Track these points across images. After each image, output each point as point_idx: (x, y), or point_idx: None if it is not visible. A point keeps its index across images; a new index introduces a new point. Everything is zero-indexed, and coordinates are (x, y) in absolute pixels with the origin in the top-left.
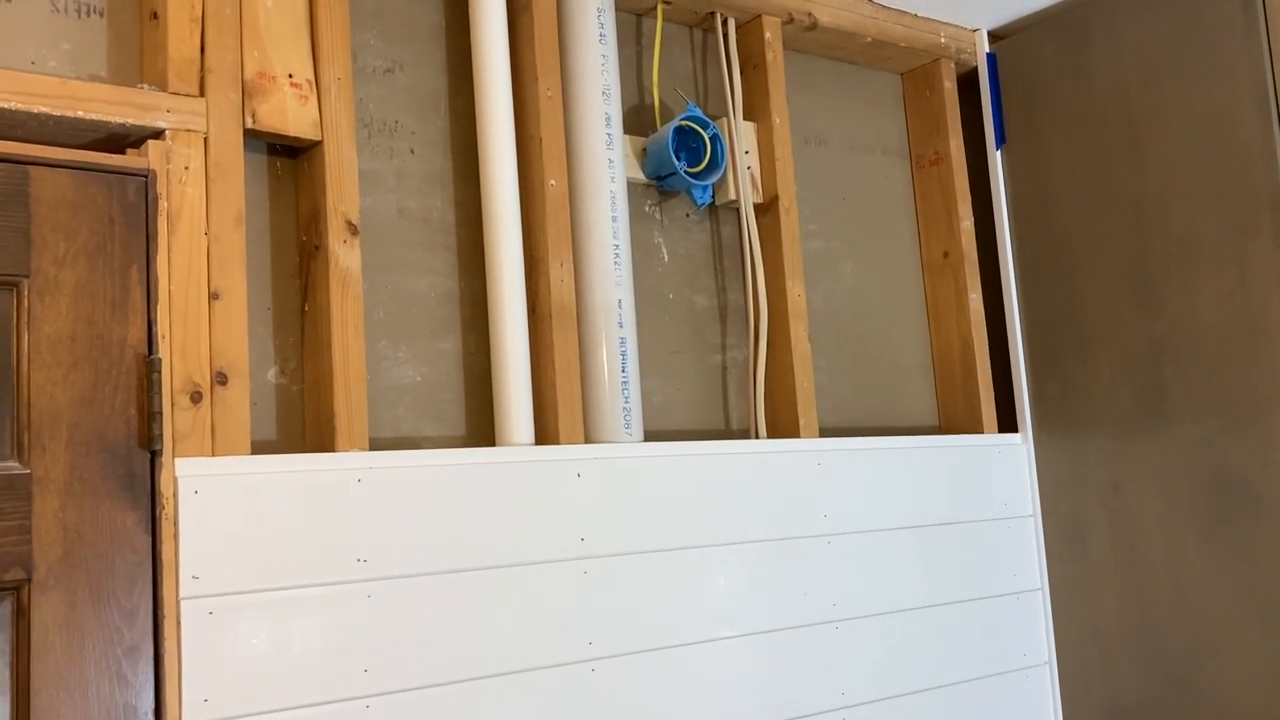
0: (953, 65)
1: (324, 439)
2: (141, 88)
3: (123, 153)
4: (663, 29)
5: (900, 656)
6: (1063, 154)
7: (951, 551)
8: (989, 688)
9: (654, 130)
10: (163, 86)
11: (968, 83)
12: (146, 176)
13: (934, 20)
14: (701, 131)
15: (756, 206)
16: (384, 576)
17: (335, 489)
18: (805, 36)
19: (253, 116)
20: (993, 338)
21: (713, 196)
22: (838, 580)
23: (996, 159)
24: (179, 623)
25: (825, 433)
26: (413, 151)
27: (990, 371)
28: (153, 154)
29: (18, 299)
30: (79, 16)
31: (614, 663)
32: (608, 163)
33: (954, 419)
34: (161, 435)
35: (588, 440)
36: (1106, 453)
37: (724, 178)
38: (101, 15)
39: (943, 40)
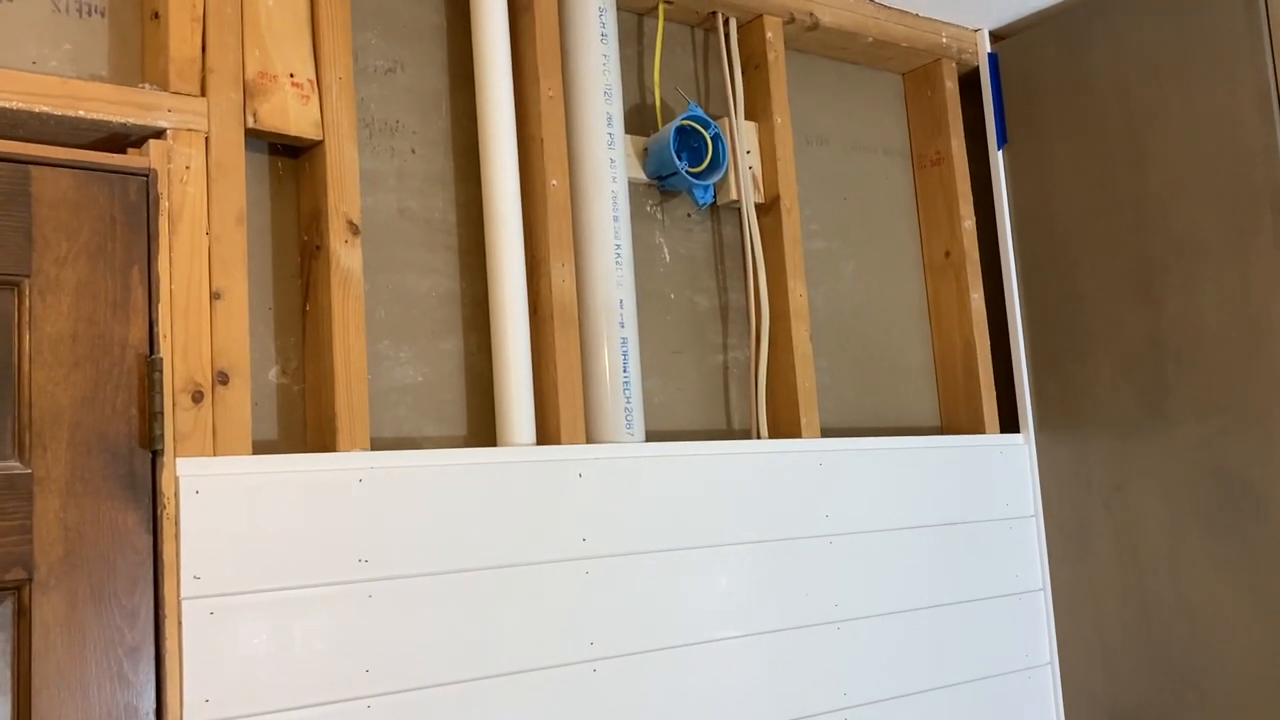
0: (954, 65)
1: (325, 439)
2: (143, 87)
3: (124, 152)
4: (664, 29)
5: (902, 657)
6: (1064, 154)
7: (953, 552)
8: (991, 688)
9: (655, 130)
10: (164, 86)
11: (969, 83)
12: (148, 176)
13: (935, 20)
14: (703, 131)
15: (758, 206)
16: (385, 577)
17: (336, 489)
18: (807, 36)
19: (254, 116)
20: (994, 338)
21: (714, 196)
22: (839, 581)
23: (998, 159)
24: (180, 623)
25: (827, 433)
26: (414, 151)
27: (992, 371)
28: (154, 154)
29: (19, 298)
30: (80, 16)
31: (615, 663)
32: (609, 162)
33: (955, 419)
34: (163, 435)
35: (589, 440)
36: (1108, 453)
37: (725, 177)
38: (103, 15)
39: (944, 40)
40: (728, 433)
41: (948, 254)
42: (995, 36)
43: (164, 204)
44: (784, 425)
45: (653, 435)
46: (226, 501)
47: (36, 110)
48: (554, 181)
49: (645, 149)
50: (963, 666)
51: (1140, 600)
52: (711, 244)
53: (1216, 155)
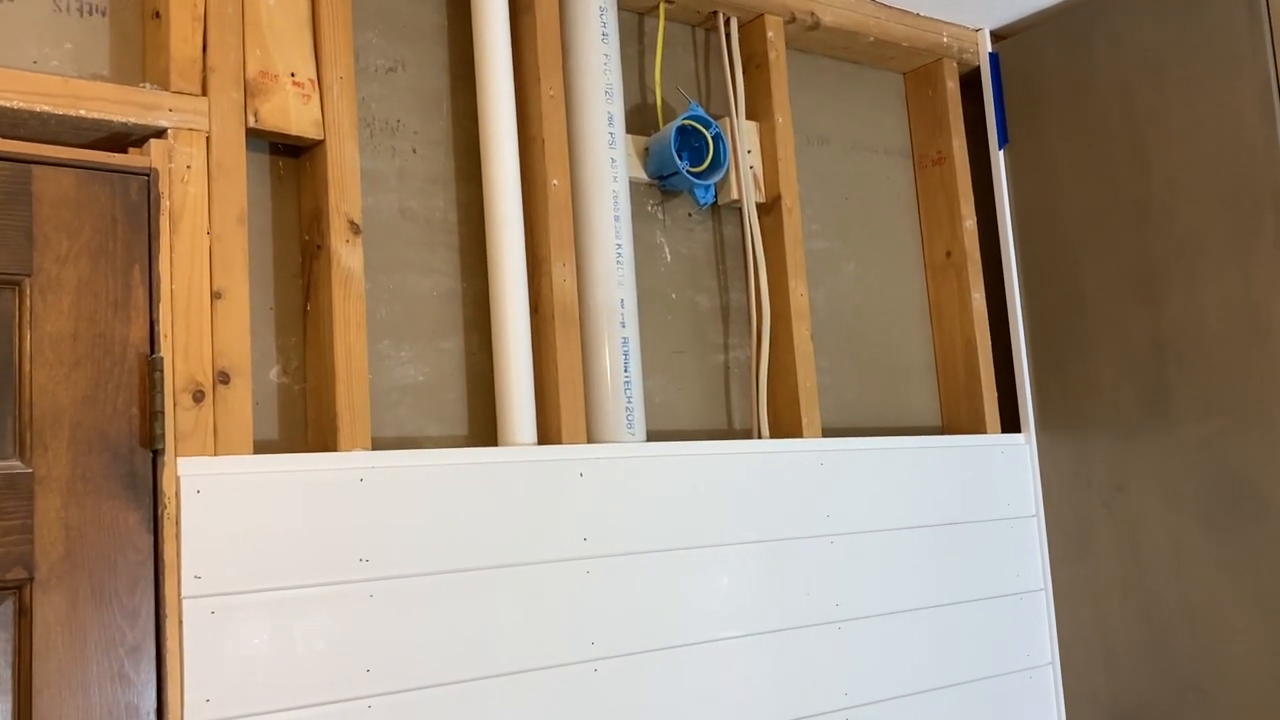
0: (955, 65)
1: (326, 439)
2: (144, 87)
3: (125, 152)
4: (665, 28)
5: (903, 657)
6: (1065, 154)
7: (954, 552)
8: (992, 688)
9: (656, 129)
10: (165, 85)
11: (970, 82)
12: (149, 175)
13: (936, 20)
14: (704, 131)
15: (759, 206)
16: (386, 576)
17: (337, 489)
18: (808, 36)
19: (255, 116)
20: (995, 337)
21: (715, 196)
22: (840, 580)
23: (999, 159)
24: (181, 622)
25: (828, 433)
26: (415, 151)
27: (993, 371)
28: (155, 153)
29: (20, 297)
30: (81, 16)
31: (616, 663)
32: (610, 162)
33: (957, 419)
34: (163, 434)
35: (590, 440)
36: (1109, 453)
37: (726, 177)
38: (104, 14)
39: (945, 40)
40: (729, 432)
41: (949, 254)
42: (996, 36)
43: (165, 203)
44: (785, 425)
45: (654, 435)
46: (227, 501)
47: (38, 109)
48: (555, 181)
49: (646, 148)
50: (964, 666)
51: (1141, 600)
52: (712, 244)
53: (1218, 155)
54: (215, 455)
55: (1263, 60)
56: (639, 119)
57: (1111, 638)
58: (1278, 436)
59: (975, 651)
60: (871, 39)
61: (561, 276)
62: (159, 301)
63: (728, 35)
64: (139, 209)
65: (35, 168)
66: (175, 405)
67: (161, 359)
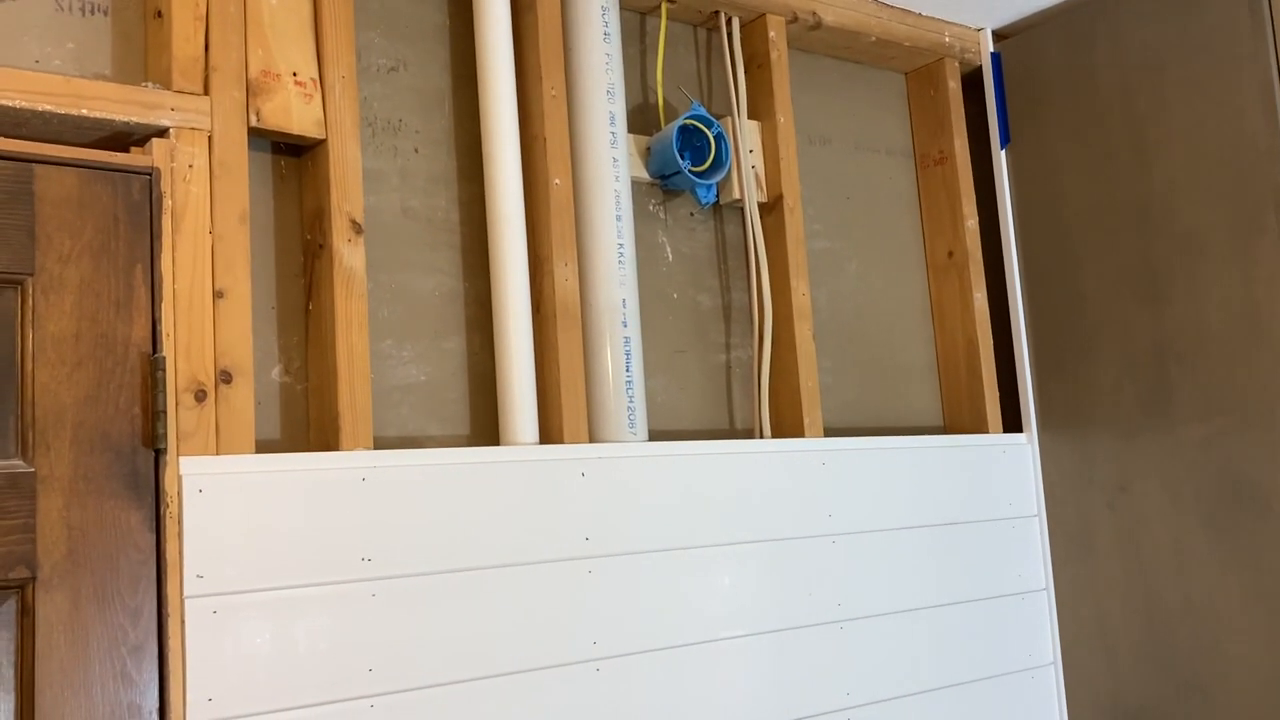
0: (957, 65)
1: (328, 438)
2: (146, 86)
3: (127, 151)
4: (667, 28)
5: (905, 657)
6: (1067, 153)
7: (956, 552)
8: (994, 688)
9: (658, 129)
10: (167, 85)
11: (972, 82)
12: (151, 175)
13: (938, 20)
14: (706, 130)
15: (761, 206)
16: (388, 576)
17: (339, 488)
18: (809, 35)
19: (257, 115)
20: (997, 337)
21: (717, 196)
22: (842, 580)
23: (1001, 158)
24: (183, 622)
25: (830, 432)
26: (417, 150)
27: (995, 371)
28: (157, 152)
29: (22, 297)
30: (83, 15)
31: (618, 663)
32: (612, 162)
33: (959, 419)
34: (166, 434)
35: (592, 440)
36: (1112, 453)
37: (728, 177)
38: (106, 14)
39: (947, 40)
40: (730, 432)
41: (951, 253)
42: (998, 36)
43: (167, 203)
44: (787, 425)
45: (655, 434)
46: (229, 500)
47: (40, 109)
48: (557, 180)
49: (648, 148)
50: (966, 666)
51: (1144, 600)
52: (714, 243)
53: (1220, 155)
54: (217, 455)
55: (1264, 60)
56: (641, 118)
57: (1113, 637)
58: (1279, 436)
59: (977, 651)
60: (873, 39)
61: (563, 276)
62: (161, 301)
63: (729, 35)
64: (141, 208)
65: (37, 167)
66: (177, 405)
67: (164, 358)
